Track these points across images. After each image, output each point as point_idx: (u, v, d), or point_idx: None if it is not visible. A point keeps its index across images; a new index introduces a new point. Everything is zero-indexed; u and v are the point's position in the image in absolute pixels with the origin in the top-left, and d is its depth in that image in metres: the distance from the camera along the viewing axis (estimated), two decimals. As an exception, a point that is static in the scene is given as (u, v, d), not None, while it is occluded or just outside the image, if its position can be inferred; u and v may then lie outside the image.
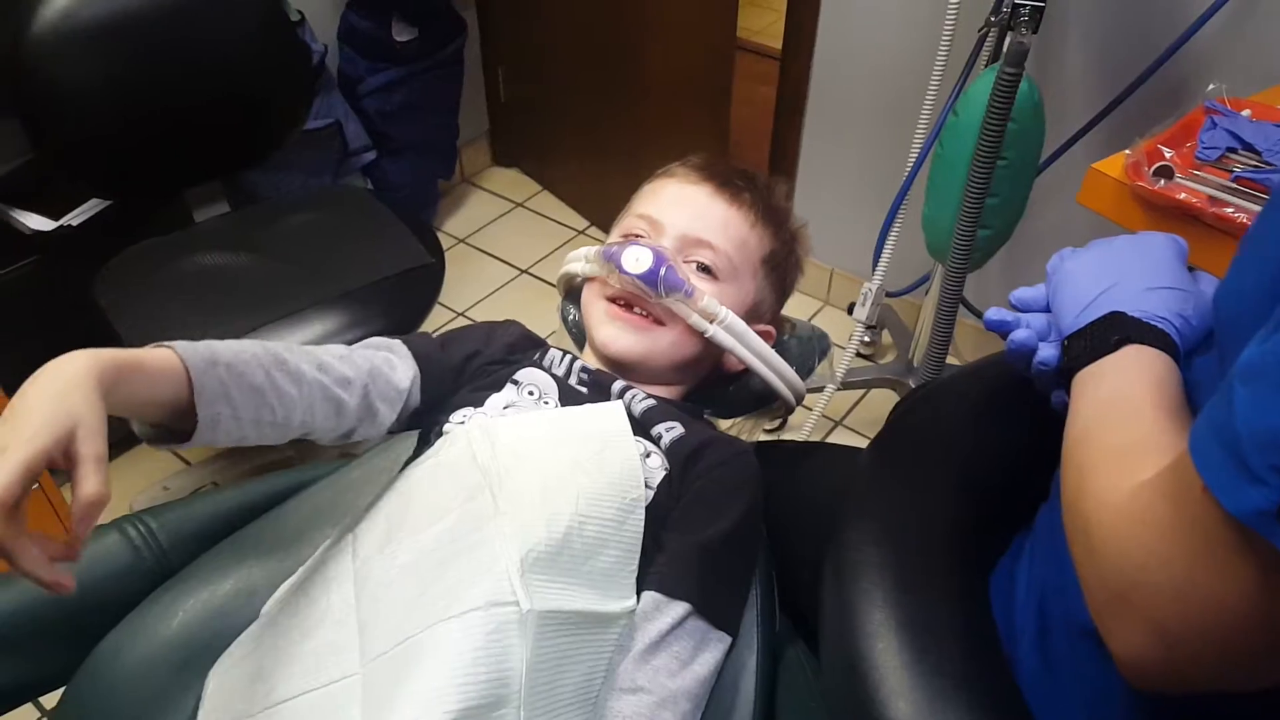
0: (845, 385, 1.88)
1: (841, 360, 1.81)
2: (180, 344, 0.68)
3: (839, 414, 1.99)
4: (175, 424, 0.67)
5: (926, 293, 1.81)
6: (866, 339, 2.07)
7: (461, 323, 2.19)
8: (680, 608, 0.70)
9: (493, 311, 2.23)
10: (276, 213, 1.63)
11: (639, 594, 0.70)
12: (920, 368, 1.83)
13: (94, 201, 1.58)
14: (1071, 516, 0.54)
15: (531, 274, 2.34)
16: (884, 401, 1.97)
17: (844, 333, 2.07)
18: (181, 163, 1.59)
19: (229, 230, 1.61)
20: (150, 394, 0.65)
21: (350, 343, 0.81)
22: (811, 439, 1.89)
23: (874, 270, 1.72)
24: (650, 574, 0.71)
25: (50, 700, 0.78)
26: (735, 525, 0.74)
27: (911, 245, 1.71)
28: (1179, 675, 0.47)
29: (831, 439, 1.93)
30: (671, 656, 0.69)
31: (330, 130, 2.00)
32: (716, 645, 0.72)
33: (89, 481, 0.55)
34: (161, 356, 0.66)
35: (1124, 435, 0.55)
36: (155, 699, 0.73)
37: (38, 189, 1.59)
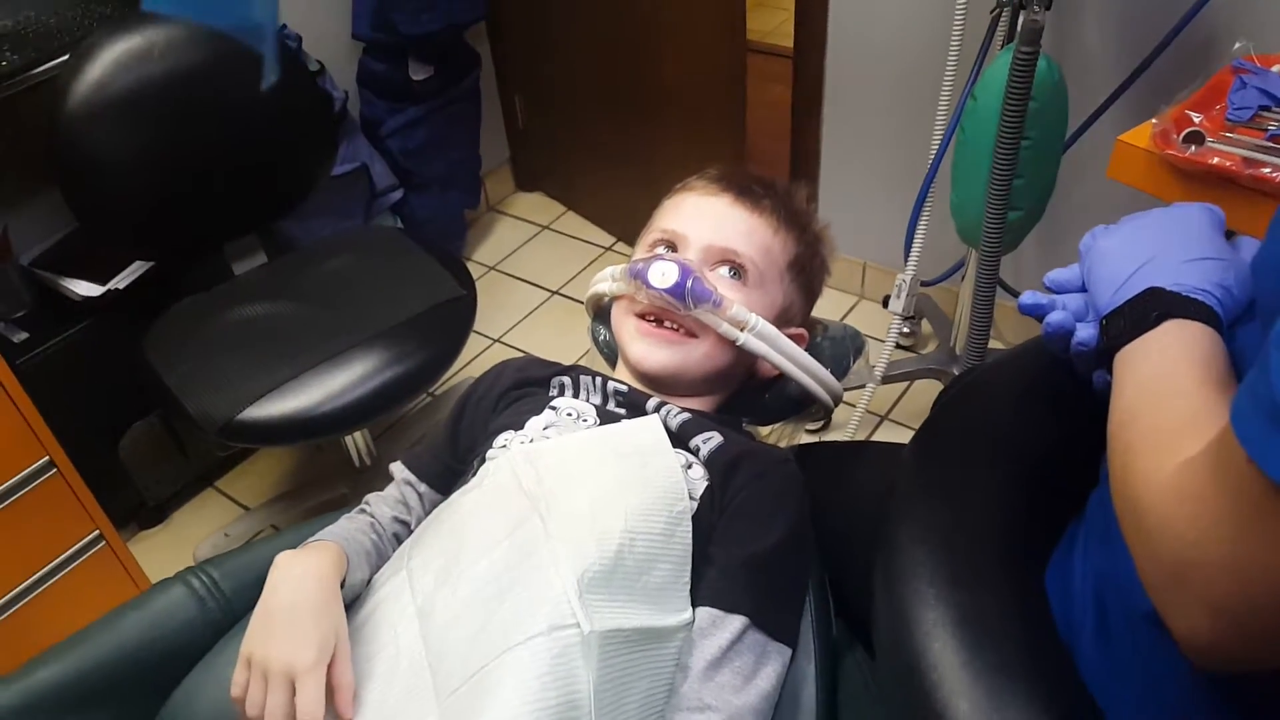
0: (887, 379, 1.86)
1: (881, 354, 1.80)
2: (332, 533, 0.80)
3: (883, 409, 1.97)
4: None
5: (963, 279, 1.79)
6: (905, 330, 2.05)
7: (499, 349, 2.22)
8: (737, 621, 0.70)
9: (528, 335, 2.25)
10: (311, 259, 1.67)
11: (693, 609, 0.70)
12: (963, 355, 1.80)
13: (138, 264, 1.64)
14: (1120, 499, 0.53)
15: (563, 294, 2.36)
16: (928, 393, 1.95)
17: (882, 326, 2.06)
18: (217, 219, 1.64)
19: (267, 280, 1.65)
20: None
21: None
22: (857, 437, 1.88)
23: (906, 261, 1.71)
24: (702, 589, 0.72)
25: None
26: (783, 537, 0.74)
27: (943, 232, 1.69)
28: (1241, 651, 0.46)
29: (878, 435, 1.92)
30: (734, 672, 0.69)
31: (357, 173, 2.05)
32: (777, 657, 0.72)
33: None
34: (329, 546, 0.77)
35: (1170, 415, 0.54)
36: (230, 745, 0.75)
37: (84, 256, 1.65)
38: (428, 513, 0.85)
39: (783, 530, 0.75)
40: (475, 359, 2.18)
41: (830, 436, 1.89)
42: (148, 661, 0.78)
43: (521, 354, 2.19)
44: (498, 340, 2.25)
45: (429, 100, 2.17)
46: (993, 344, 1.65)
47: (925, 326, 2.09)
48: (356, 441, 1.69)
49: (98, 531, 1.41)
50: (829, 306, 2.20)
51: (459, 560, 0.71)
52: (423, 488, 0.88)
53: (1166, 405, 0.55)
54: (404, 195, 2.20)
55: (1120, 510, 0.53)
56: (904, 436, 1.89)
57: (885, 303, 1.82)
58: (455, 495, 0.80)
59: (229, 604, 0.83)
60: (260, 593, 0.84)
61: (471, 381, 0.93)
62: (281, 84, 1.62)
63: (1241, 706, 0.51)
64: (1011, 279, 1.90)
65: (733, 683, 0.68)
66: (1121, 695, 0.57)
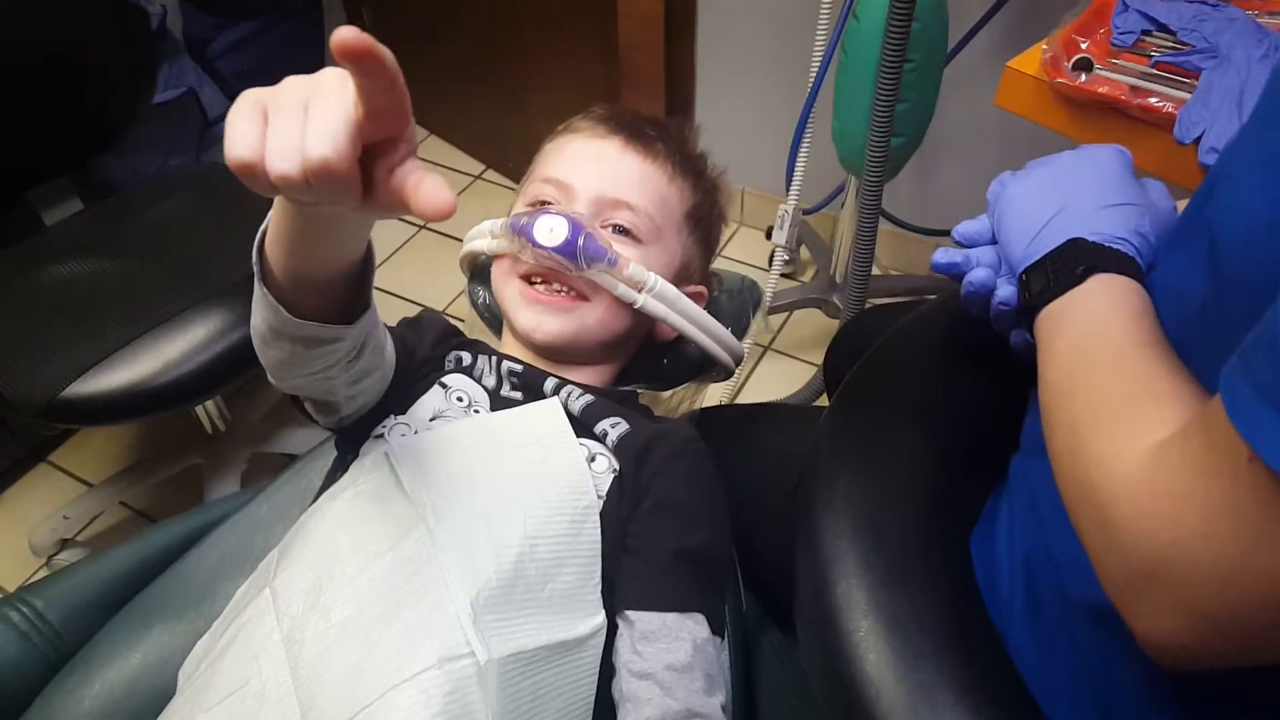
0: (771, 310, 1.83)
1: (766, 286, 1.76)
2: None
3: (766, 339, 1.95)
4: (326, 305, 0.58)
5: (842, 205, 1.76)
6: (787, 258, 2.03)
7: (363, 291, 2.06)
8: (693, 620, 0.65)
9: (396, 274, 2.10)
10: (135, 204, 1.47)
11: (629, 610, 0.65)
12: (844, 283, 1.79)
13: (-80, 216, 1.40)
14: (1072, 485, 0.50)
15: (431, 229, 2.21)
16: (810, 323, 1.94)
17: (762, 255, 2.03)
18: (16, 160, 1.41)
19: (84, 231, 1.44)
20: (355, 229, 0.54)
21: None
22: (740, 372, 1.85)
23: (788, 191, 1.66)
24: (634, 589, 0.66)
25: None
26: (709, 527, 0.70)
27: (822, 158, 1.65)
28: (1216, 654, 0.44)
29: (762, 366, 1.90)
30: (703, 674, 0.63)
31: (184, 100, 1.82)
32: (722, 648, 0.67)
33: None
34: None
35: (1115, 384, 0.50)
36: (75, 798, 0.65)
37: None
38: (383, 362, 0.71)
39: (707, 520, 0.70)
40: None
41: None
42: (-36, 715, 0.66)
43: (390, 296, 2.04)
44: (360, 282, 2.09)
45: (262, 14, 1.95)
46: (873, 271, 1.64)
47: (804, 253, 2.07)
48: (207, 408, 1.53)
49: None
50: (708, 234, 2.15)
51: (331, 577, 0.62)
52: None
53: (1109, 373, 0.51)
54: (242, 124, 1.98)
55: (1071, 498, 0.49)
56: (788, 367, 1.88)
57: (769, 234, 1.78)
58: (323, 499, 0.70)
59: (59, 637, 0.71)
60: (95, 621, 0.73)
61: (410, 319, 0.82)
62: (79, -3, 1.39)
63: (1188, 697, 0.50)
64: (888, 204, 1.89)
65: (704, 685, 0.63)
66: (1056, 684, 0.55)
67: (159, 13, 1.71)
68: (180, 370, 1.24)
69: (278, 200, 0.52)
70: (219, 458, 1.58)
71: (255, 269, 0.56)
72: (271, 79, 0.44)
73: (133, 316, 1.27)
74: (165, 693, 0.67)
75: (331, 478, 0.74)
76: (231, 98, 2.01)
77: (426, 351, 0.78)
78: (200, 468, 1.58)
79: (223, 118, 1.90)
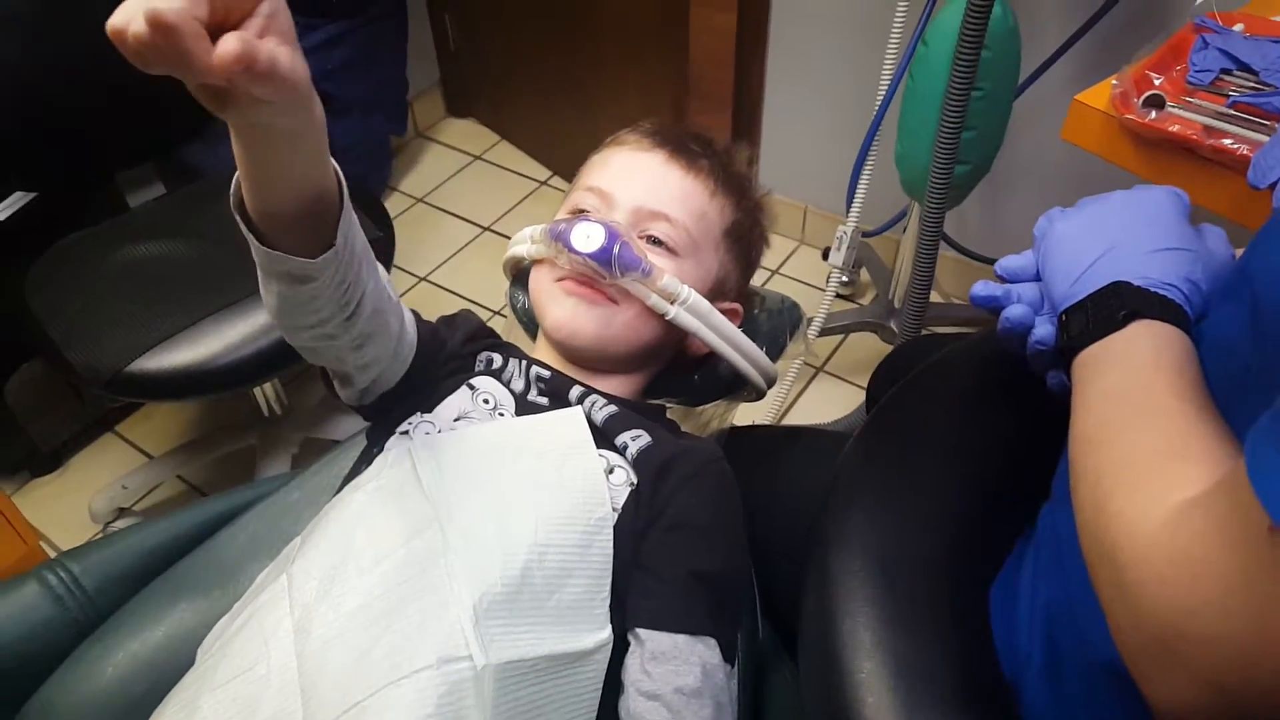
0: (825, 331, 1.81)
1: (820, 307, 1.74)
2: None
3: (819, 360, 1.92)
4: (297, 235, 0.59)
5: (904, 230, 1.73)
6: (844, 279, 2.00)
7: (425, 288, 2.11)
8: (705, 644, 0.64)
9: (457, 273, 2.14)
10: (211, 192, 1.53)
11: (640, 628, 0.64)
12: (902, 308, 1.76)
13: (18, 195, 1.47)
14: (1092, 541, 0.47)
15: (495, 231, 2.24)
16: (865, 346, 1.91)
17: (820, 274, 2.00)
18: (107, 145, 1.48)
19: (165, 215, 1.50)
20: (317, 151, 0.56)
21: None
22: (792, 391, 1.83)
23: (848, 213, 1.64)
24: (644, 608, 0.65)
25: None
26: (726, 551, 0.69)
27: (886, 180, 1.62)
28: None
29: (814, 388, 1.88)
30: (712, 702, 0.63)
31: (268, 94, 1.89)
32: (732, 676, 0.67)
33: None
34: None
35: (1146, 438, 0.48)
36: (89, 762, 0.68)
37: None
38: (396, 342, 0.73)
39: (724, 543, 0.69)
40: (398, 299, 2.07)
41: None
42: (-9, 668, 0.69)
43: (448, 294, 2.08)
44: (424, 279, 2.13)
45: (350, 17, 1.99)
46: (932, 297, 1.60)
47: (864, 275, 2.04)
48: (265, 391, 1.58)
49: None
50: (768, 252, 2.13)
51: (345, 568, 0.64)
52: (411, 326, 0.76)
53: (1142, 426, 0.49)
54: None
55: (1091, 554, 0.47)
56: (839, 391, 1.86)
57: (825, 254, 1.76)
58: (346, 490, 0.71)
59: (91, 603, 0.74)
60: (128, 590, 0.75)
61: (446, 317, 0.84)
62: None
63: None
64: (953, 231, 1.86)
65: (712, 713, 0.62)
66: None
67: (249, 9, 1.78)
68: (240, 353, 1.28)
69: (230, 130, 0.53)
70: (272, 440, 1.62)
71: (233, 206, 0.58)
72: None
73: (200, 299, 1.32)
74: (184, 668, 0.69)
75: (356, 470, 0.75)
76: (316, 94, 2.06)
77: (456, 347, 0.80)
78: (254, 448, 1.63)
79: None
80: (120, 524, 1.64)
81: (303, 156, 0.56)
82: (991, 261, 1.87)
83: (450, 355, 0.79)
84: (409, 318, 0.76)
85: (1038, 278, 0.66)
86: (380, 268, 0.69)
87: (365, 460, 0.75)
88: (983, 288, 0.66)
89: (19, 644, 0.71)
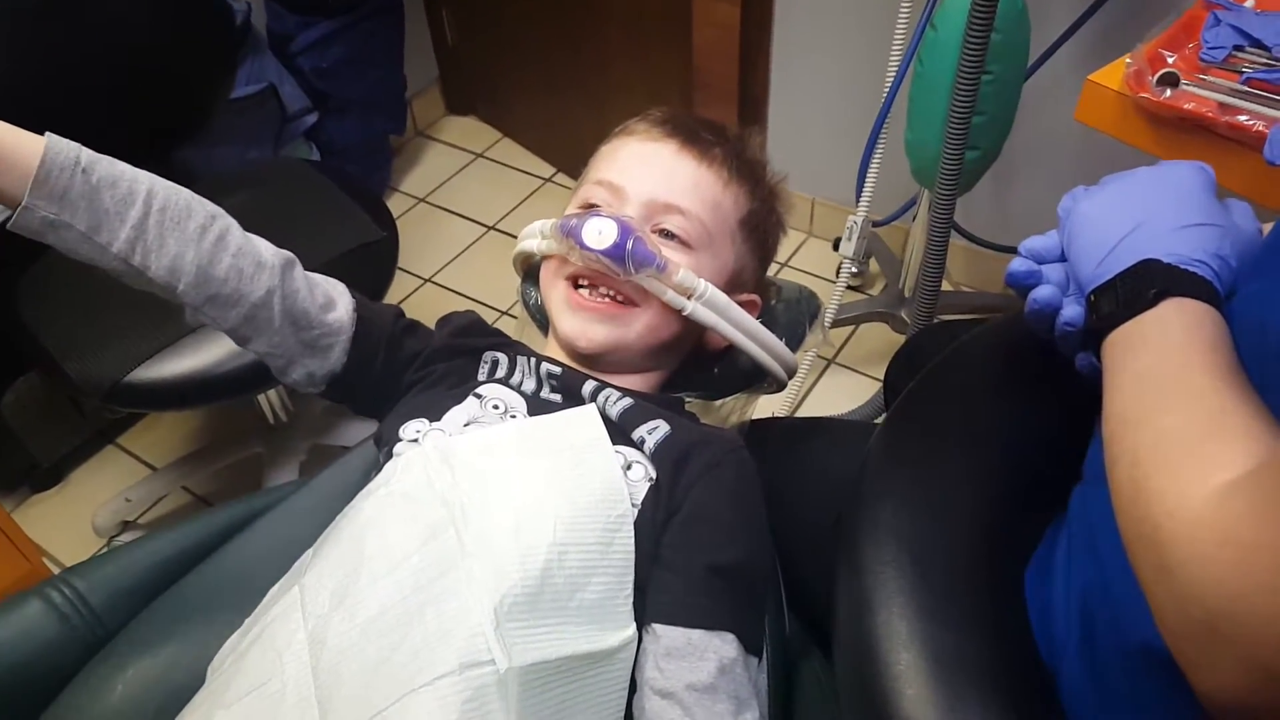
0: (836, 323, 1.79)
1: (831, 298, 1.72)
2: (57, 138, 0.65)
3: (830, 351, 1.90)
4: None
5: (914, 218, 1.71)
6: (854, 269, 1.98)
7: (430, 289, 2.09)
8: (721, 639, 0.62)
9: (461, 274, 2.12)
10: (210, 195, 1.50)
11: (655, 623, 0.63)
12: (913, 297, 1.74)
13: (10, 200, 1.46)
14: (1132, 522, 0.46)
15: (499, 230, 2.22)
16: (876, 336, 1.89)
17: (830, 265, 1.98)
18: (101, 149, 1.45)
19: (161, 219, 1.48)
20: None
21: None
22: (805, 383, 1.81)
23: (858, 202, 1.62)
24: (663, 603, 0.63)
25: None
26: (748, 543, 0.67)
27: (895, 168, 1.60)
28: (1278, 711, 0.40)
29: (825, 379, 1.85)
30: (730, 697, 0.61)
31: (264, 95, 1.86)
32: (757, 672, 0.65)
33: None
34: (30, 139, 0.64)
35: (1186, 418, 0.47)
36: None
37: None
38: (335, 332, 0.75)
39: (744, 535, 0.67)
40: (403, 301, 2.05)
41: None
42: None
43: (454, 295, 2.06)
44: (429, 280, 2.11)
45: (345, 13, 1.97)
46: (943, 286, 1.58)
47: (873, 265, 2.02)
48: (270, 398, 1.56)
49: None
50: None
51: (358, 577, 0.62)
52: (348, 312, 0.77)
53: (1179, 405, 0.48)
54: (320, 119, 2.01)
55: (1130, 537, 0.46)
56: (851, 382, 1.84)
57: (836, 245, 1.73)
58: (357, 498, 0.69)
59: (98, 620, 0.72)
60: (135, 606, 0.73)
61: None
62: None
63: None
64: (962, 218, 1.83)
65: (728, 708, 0.61)
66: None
67: (244, 9, 1.75)
68: (243, 359, 1.26)
69: None
70: (279, 448, 1.60)
71: None
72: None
73: (200, 305, 1.29)
74: (197, 684, 0.68)
75: (367, 477, 0.73)
76: (310, 94, 2.04)
77: (445, 339, 0.79)
78: (260, 457, 1.61)
79: (302, 112, 1.95)
80: (126, 537, 1.62)
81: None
82: (1001, 249, 1.85)
83: (438, 349, 0.78)
84: (345, 304, 0.76)
85: (1063, 258, 0.64)
86: (251, 254, 0.75)
87: (376, 467, 0.73)
88: (1021, 264, 0.64)
89: (24, 665, 0.69)
